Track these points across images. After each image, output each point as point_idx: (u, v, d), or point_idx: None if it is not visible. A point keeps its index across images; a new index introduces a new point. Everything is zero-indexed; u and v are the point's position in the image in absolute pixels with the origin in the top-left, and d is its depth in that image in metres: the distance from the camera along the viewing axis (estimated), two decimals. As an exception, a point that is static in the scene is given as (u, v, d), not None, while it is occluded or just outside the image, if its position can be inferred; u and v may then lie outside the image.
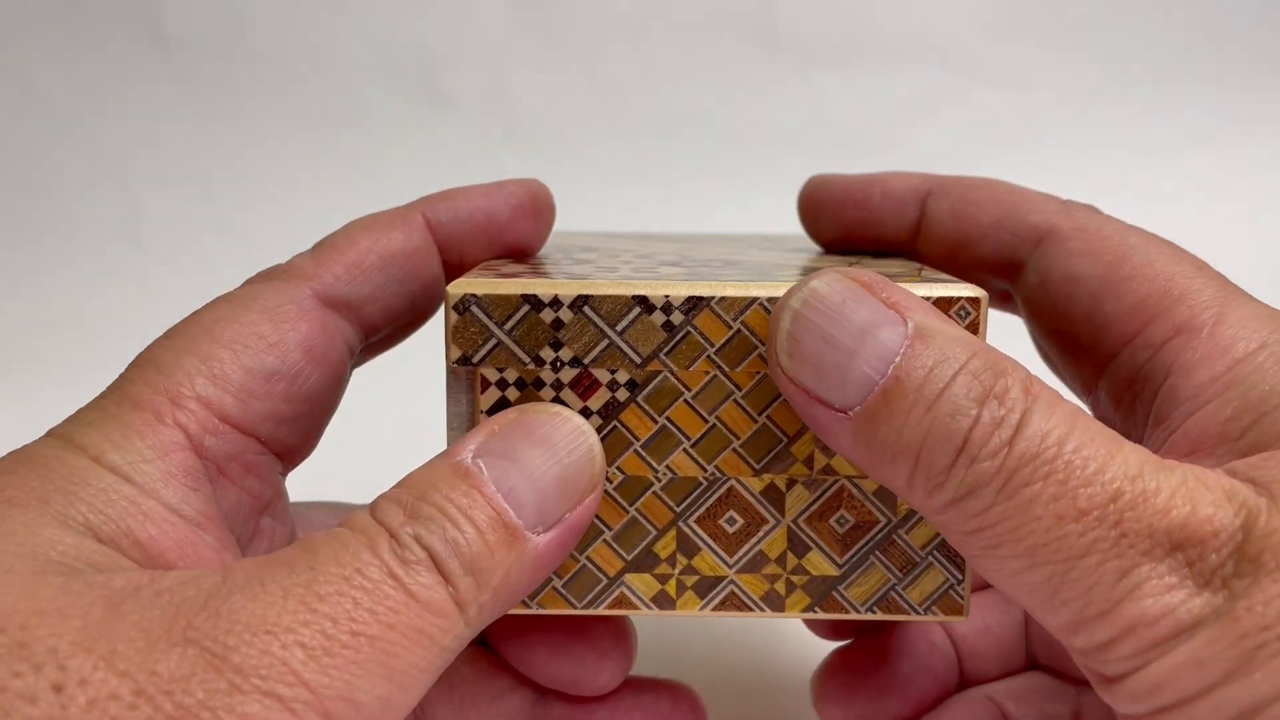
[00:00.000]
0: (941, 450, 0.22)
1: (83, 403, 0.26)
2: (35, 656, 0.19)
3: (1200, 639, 0.21)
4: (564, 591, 0.27)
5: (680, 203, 0.71)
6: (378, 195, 0.68)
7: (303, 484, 0.30)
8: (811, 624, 0.36)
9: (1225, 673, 0.21)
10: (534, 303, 0.26)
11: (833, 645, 0.35)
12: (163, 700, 0.19)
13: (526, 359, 0.26)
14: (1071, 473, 0.22)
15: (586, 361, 0.26)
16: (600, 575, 0.27)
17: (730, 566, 0.27)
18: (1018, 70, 0.73)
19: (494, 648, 0.31)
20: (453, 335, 0.26)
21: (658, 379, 0.26)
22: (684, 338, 0.26)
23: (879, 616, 0.27)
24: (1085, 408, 0.32)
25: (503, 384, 0.26)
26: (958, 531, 0.23)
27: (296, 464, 0.29)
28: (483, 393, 0.26)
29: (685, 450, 0.27)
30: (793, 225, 0.38)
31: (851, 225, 0.34)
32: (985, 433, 0.22)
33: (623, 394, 0.26)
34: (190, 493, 0.24)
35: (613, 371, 0.26)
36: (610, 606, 0.27)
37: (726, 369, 0.26)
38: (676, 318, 0.26)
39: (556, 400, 0.26)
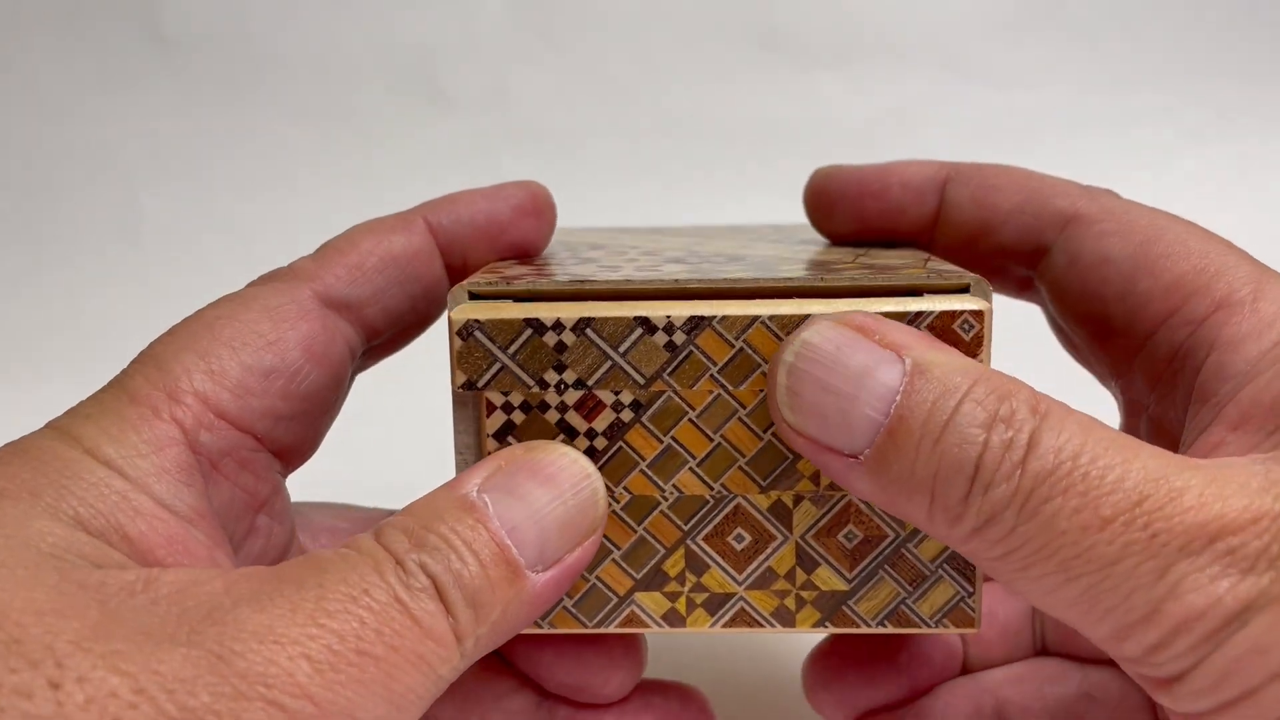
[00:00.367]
0: (955, 481, 0.22)
1: (80, 400, 0.26)
2: (32, 653, 0.19)
3: (1257, 625, 0.21)
4: (575, 611, 0.27)
5: (680, 202, 0.71)
6: (377, 195, 0.69)
7: (306, 485, 0.30)
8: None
9: None
10: (536, 326, 0.26)
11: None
12: (164, 700, 0.19)
13: (531, 382, 0.26)
14: (1090, 483, 0.22)
15: (590, 383, 0.26)
16: (610, 594, 0.27)
17: (739, 583, 0.27)
18: (1018, 70, 0.73)
19: (503, 652, 0.31)
20: (457, 360, 0.26)
21: (662, 399, 0.26)
22: (687, 357, 0.26)
23: (890, 630, 0.27)
24: (1116, 393, 0.32)
25: (508, 407, 0.26)
26: (987, 558, 0.23)
27: (297, 465, 0.29)
28: (488, 416, 0.26)
29: (691, 469, 0.27)
30: (798, 219, 0.38)
31: (869, 217, 0.34)
32: (996, 457, 0.22)
33: (627, 415, 0.26)
34: (183, 488, 0.24)
35: (617, 392, 0.26)
36: (621, 625, 0.27)
37: (730, 387, 0.26)
38: (679, 338, 0.26)
39: (561, 422, 0.26)
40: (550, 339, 0.26)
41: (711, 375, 0.26)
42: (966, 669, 0.34)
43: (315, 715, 0.20)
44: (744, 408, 0.26)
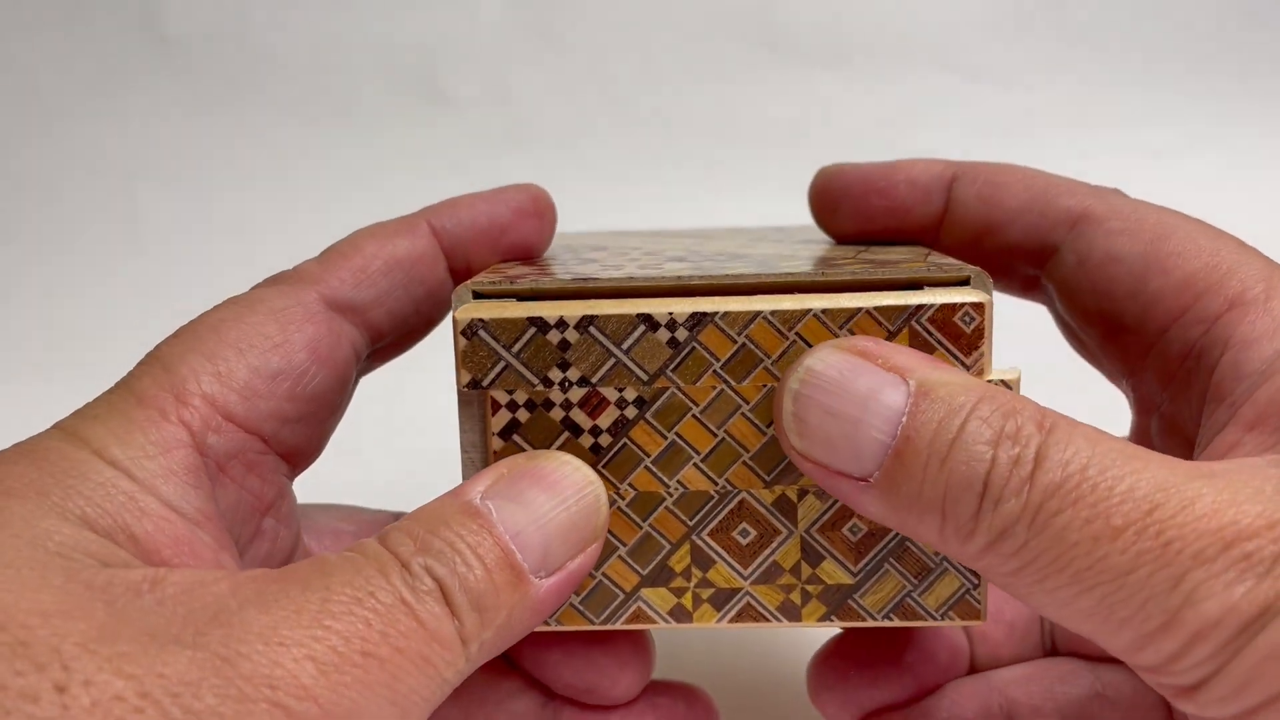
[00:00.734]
0: (964, 499, 0.22)
1: (82, 402, 0.26)
2: (38, 656, 0.19)
3: (1276, 629, 0.21)
4: (581, 608, 0.28)
5: (681, 202, 0.71)
6: (378, 194, 0.69)
7: (310, 486, 0.30)
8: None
9: None
10: (540, 325, 0.26)
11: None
12: (169, 704, 0.19)
13: (535, 380, 0.26)
14: (1100, 494, 0.22)
15: (594, 381, 0.26)
16: (617, 591, 0.27)
17: (745, 578, 0.27)
18: (1018, 70, 0.73)
19: (510, 654, 0.31)
20: (462, 360, 0.26)
21: (665, 395, 0.26)
22: (689, 354, 0.26)
23: (896, 624, 0.27)
24: (1127, 391, 0.31)
25: (513, 405, 0.26)
26: (1001, 574, 0.23)
27: (303, 468, 0.29)
28: (493, 415, 0.26)
29: (695, 465, 0.27)
30: (799, 219, 0.38)
31: (874, 215, 0.34)
32: (1004, 473, 0.22)
33: (631, 411, 0.26)
34: (190, 490, 0.24)
35: (620, 389, 0.26)
36: (627, 621, 0.28)
37: (733, 383, 0.26)
38: (681, 334, 0.26)
39: (566, 420, 0.26)
40: (554, 337, 0.26)
41: (714, 371, 0.26)
42: (974, 668, 0.34)
43: (320, 717, 0.20)
44: (747, 403, 0.26)
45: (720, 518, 0.27)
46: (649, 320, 0.26)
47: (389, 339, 0.31)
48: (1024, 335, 0.37)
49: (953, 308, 0.26)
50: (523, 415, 0.26)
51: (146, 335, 0.27)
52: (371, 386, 0.33)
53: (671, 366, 0.26)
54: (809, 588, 0.27)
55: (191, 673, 0.19)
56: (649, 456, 0.27)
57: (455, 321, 0.26)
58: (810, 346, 0.26)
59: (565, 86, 0.72)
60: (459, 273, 0.31)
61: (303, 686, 0.20)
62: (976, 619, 0.27)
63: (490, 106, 0.72)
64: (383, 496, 0.34)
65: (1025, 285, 0.33)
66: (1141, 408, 0.31)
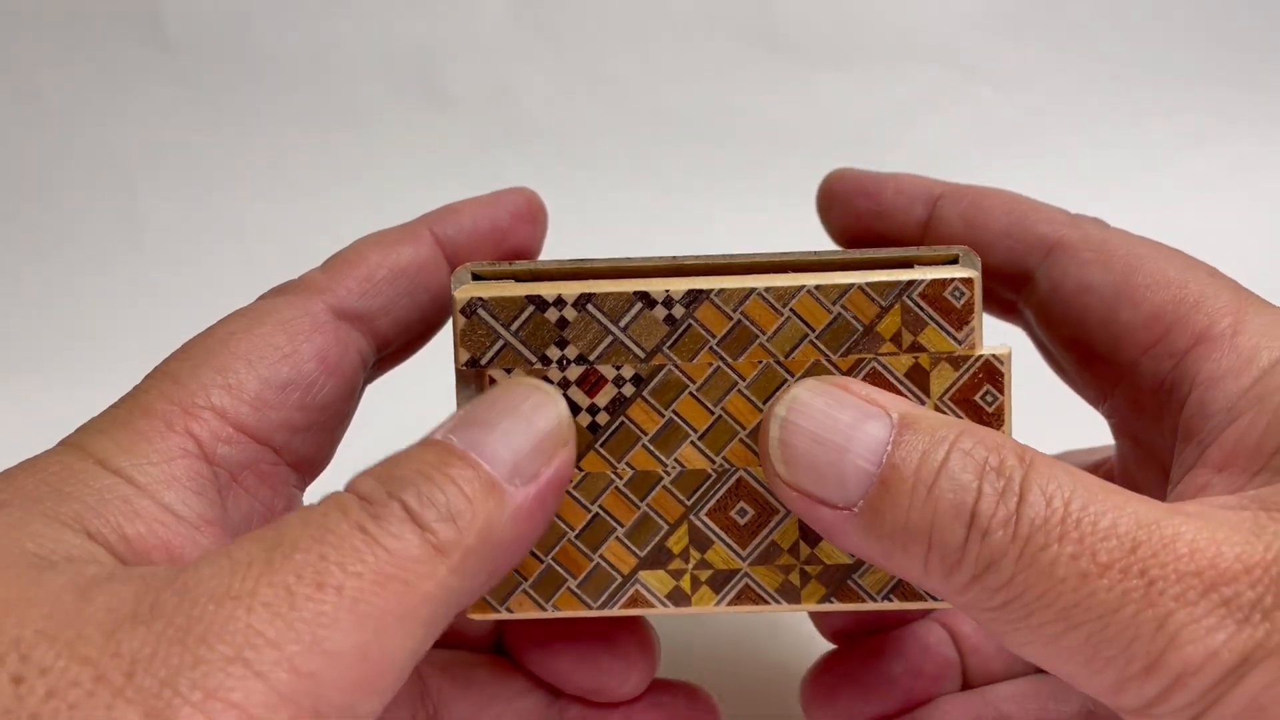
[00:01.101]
0: (951, 528, 0.23)
1: (82, 402, 0.26)
2: None
3: (1254, 680, 0.21)
4: (579, 592, 0.28)
5: (680, 202, 0.71)
6: (378, 195, 0.69)
7: (317, 496, 0.30)
8: (817, 621, 0.36)
9: None
10: (538, 303, 0.26)
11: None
12: (123, 683, 0.19)
13: (533, 358, 0.26)
14: (1085, 529, 0.22)
15: (592, 358, 0.26)
16: (614, 574, 0.27)
17: (744, 559, 0.27)
18: (1018, 70, 0.73)
19: (516, 658, 0.32)
20: (460, 338, 0.26)
21: (662, 373, 0.26)
22: (686, 331, 0.26)
23: (895, 605, 0.27)
24: (1106, 415, 0.32)
25: None
26: (985, 609, 0.23)
27: (313, 477, 0.29)
28: None
29: (693, 443, 0.27)
30: (794, 226, 0.38)
31: (860, 215, 0.35)
32: (991, 504, 0.22)
33: (629, 389, 0.27)
34: (193, 496, 0.24)
35: (618, 367, 0.26)
36: (625, 605, 0.28)
37: (729, 360, 0.26)
38: (678, 311, 0.26)
39: (564, 398, 0.26)
40: (552, 315, 0.26)
41: (711, 348, 0.26)
42: (967, 683, 0.34)
43: (278, 659, 0.19)
44: (743, 379, 0.26)
45: (718, 496, 0.27)
46: (646, 298, 0.26)
47: (394, 346, 0.31)
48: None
49: (943, 283, 0.26)
50: None
51: (146, 335, 0.28)
52: (379, 394, 0.33)
53: (668, 344, 0.26)
54: (808, 568, 0.27)
55: (146, 648, 0.19)
56: (646, 435, 0.27)
57: (454, 300, 0.26)
58: (804, 322, 0.26)
59: (565, 86, 0.72)
60: None
61: (258, 634, 0.19)
62: None
63: (490, 106, 0.72)
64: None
65: (1004, 308, 0.34)
66: (1118, 431, 0.32)
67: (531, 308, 0.26)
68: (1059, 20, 0.73)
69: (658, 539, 0.27)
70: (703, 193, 0.72)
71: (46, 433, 0.27)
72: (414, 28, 0.72)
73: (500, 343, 0.26)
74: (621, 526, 0.27)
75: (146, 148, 0.71)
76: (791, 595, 0.27)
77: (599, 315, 0.26)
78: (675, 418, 0.27)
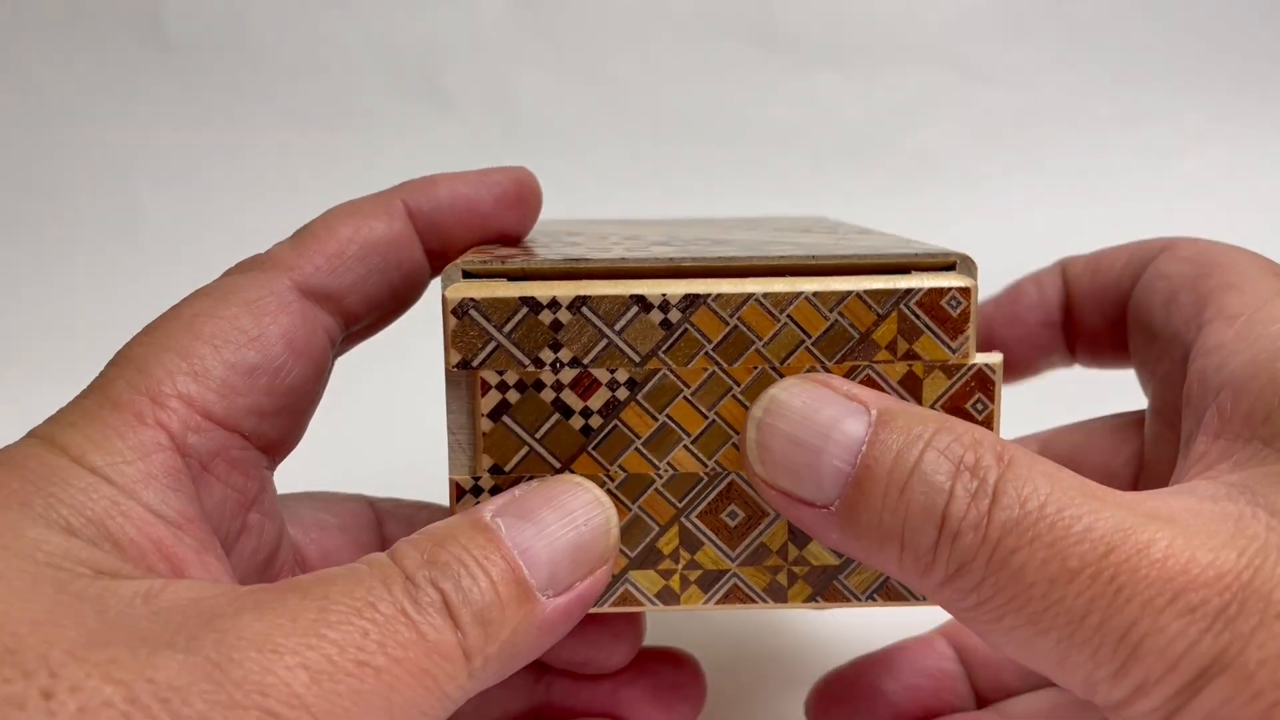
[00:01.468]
0: (923, 530, 0.22)
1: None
2: (26, 663, 0.19)
3: (1213, 692, 0.21)
4: None
5: (680, 203, 0.71)
6: (378, 195, 0.69)
7: (288, 475, 0.30)
8: None
9: None
10: (532, 305, 0.26)
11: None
12: (157, 709, 0.18)
13: (526, 361, 0.26)
14: (1058, 533, 0.22)
15: (586, 361, 0.26)
16: None
17: (733, 560, 0.27)
18: (1018, 70, 0.73)
19: None
20: (452, 339, 0.26)
21: (657, 377, 0.26)
22: (682, 335, 0.26)
23: (880, 604, 0.28)
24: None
25: (503, 386, 0.26)
26: (962, 609, 0.23)
27: (282, 457, 0.29)
28: (483, 395, 0.26)
29: (686, 447, 0.27)
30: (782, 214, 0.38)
31: None
32: (962, 506, 0.22)
33: (623, 393, 0.26)
34: (171, 493, 0.24)
35: (612, 371, 0.26)
36: (616, 604, 0.27)
37: (724, 365, 0.26)
38: (674, 316, 0.26)
39: (557, 401, 0.26)
40: (546, 317, 0.26)
41: (706, 353, 0.26)
42: (981, 698, 0.34)
43: None
44: (738, 385, 0.26)
45: (709, 500, 0.27)
46: (642, 301, 0.26)
47: (364, 323, 0.30)
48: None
49: (940, 292, 0.26)
50: (513, 396, 0.26)
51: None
52: (350, 370, 0.33)
53: (664, 348, 0.26)
54: (795, 569, 0.27)
55: (181, 678, 0.19)
56: (639, 438, 0.27)
57: (445, 301, 0.26)
58: (801, 329, 0.26)
59: (565, 87, 0.72)
60: (435, 254, 0.31)
61: (295, 694, 0.19)
62: None
63: (490, 107, 0.72)
64: (361, 482, 0.34)
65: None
66: (1153, 410, 0.32)
67: (525, 309, 0.26)
68: (1059, 20, 0.73)
69: (648, 540, 0.27)
70: (703, 193, 0.72)
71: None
72: (414, 28, 0.71)
73: (493, 344, 0.26)
74: None
75: (146, 148, 0.71)
76: (779, 595, 0.27)
77: (594, 318, 0.26)
78: (669, 422, 0.26)
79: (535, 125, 0.72)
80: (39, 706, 0.18)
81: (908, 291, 0.26)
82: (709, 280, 0.26)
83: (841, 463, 0.23)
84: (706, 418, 0.27)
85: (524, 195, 0.32)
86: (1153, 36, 0.73)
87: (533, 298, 0.26)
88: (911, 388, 0.26)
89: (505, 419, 0.26)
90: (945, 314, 0.26)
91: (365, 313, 0.30)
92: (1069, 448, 0.34)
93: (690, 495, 0.27)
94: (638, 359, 0.26)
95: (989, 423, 0.27)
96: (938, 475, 0.22)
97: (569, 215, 0.46)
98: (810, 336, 0.26)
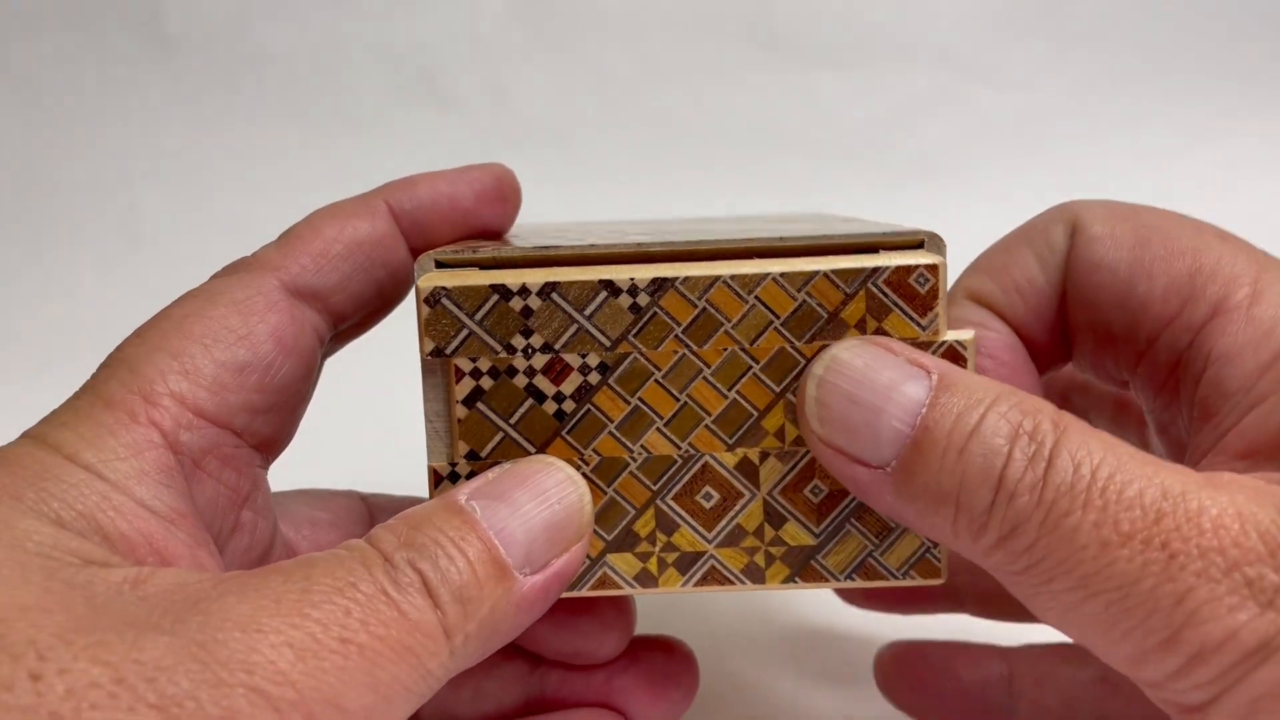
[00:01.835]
0: (979, 492, 0.23)
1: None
2: (14, 647, 0.19)
3: (1270, 672, 0.21)
4: None
5: (680, 203, 0.71)
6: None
7: (279, 471, 0.30)
8: (845, 594, 0.36)
9: None
10: (503, 292, 0.26)
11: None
12: (144, 689, 0.19)
13: (498, 347, 0.26)
14: (1109, 497, 0.22)
15: (557, 347, 0.26)
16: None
17: (709, 541, 0.27)
18: (1018, 70, 0.73)
19: None
20: (425, 328, 0.26)
21: (628, 360, 0.26)
22: (651, 319, 0.26)
23: (858, 584, 0.28)
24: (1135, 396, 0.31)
25: (476, 373, 0.26)
26: (1010, 572, 0.23)
27: (275, 455, 0.29)
28: (457, 383, 0.27)
29: (659, 429, 0.27)
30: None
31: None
32: (1019, 469, 0.22)
33: (594, 377, 0.27)
34: (163, 489, 0.24)
35: (583, 355, 0.26)
36: (594, 587, 0.28)
37: (694, 347, 0.26)
38: (643, 299, 0.26)
39: (530, 386, 0.27)
40: (516, 304, 0.26)
41: (676, 336, 0.26)
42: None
43: (297, 701, 0.20)
44: (708, 367, 0.26)
45: (684, 482, 0.27)
46: (610, 286, 0.26)
47: (351, 321, 0.31)
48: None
49: (908, 269, 0.26)
50: (486, 383, 0.26)
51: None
52: (340, 368, 0.33)
53: (633, 332, 0.26)
54: (772, 550, 0.27)
55: (168, 658, 0.19)
56: (613, 422, 0.27)
57: (418, 290, 0.26)
58: (769, 310, 0.26)
59: (565, 87, 0.73)
60: (419, 252, 0.31)
61: (280, 672, 0.20)
62: (937, 577, 0.27)
63: (490, 107, 0.72)
64: (353, 478, 0.34)
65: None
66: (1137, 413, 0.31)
67: (496, 296, 0.26)
68: (1058, 20, 0.73)
69: (625, 523, 0.27)
70: (702, 193, 0.72)
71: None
72: (414, 28, 0.72)
73: (465, 332, 0.26)
74: None
75: (146, 148, 0.71)
76: (756, 576, 0.28)
77: (564, 304, 0.26)
78: (641, 405, 0.27)
79: (535, 125, 0.72)
80: (27, 688, 0.18)
81: (875, 270, 0.26)
82: (677, 264, 0.26)
83: (901, 424, 0.24)
84: (678, 400, 0.27)
85: (504, 191, 0.32)
86: (1153, 36, 0.73)
87: (503, 285, 0.26)
88: None
89: (479, 405, 0.27)
90: (914, 291, 0.26)
91: (352, 311, 0.30)
92: None
93: (665, 477, 0.27)
94: (608, 343, 0.26)
95: None
96: (997, 439, 0.23)
97: (569, 215, 0.46)
98: (779, 317, 0.26)
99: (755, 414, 0.27)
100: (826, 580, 0.28)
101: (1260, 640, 0.21)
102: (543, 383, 0.27)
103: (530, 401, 0.27)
